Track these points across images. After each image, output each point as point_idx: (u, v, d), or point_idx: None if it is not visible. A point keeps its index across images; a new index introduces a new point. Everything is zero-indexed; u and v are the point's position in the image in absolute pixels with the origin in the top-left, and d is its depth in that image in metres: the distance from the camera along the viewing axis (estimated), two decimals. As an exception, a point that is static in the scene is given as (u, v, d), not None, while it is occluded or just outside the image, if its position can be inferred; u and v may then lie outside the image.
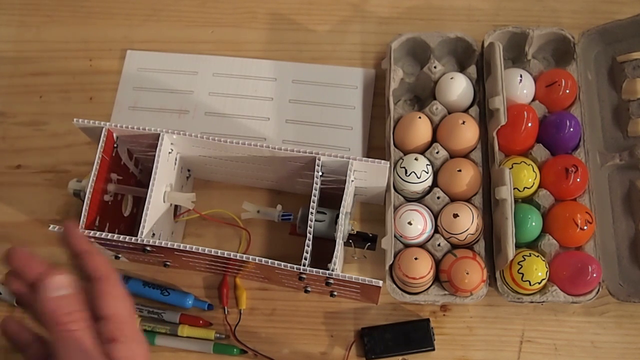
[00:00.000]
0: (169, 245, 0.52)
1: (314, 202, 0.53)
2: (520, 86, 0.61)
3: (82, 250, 0.40)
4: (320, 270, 0.51)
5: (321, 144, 0.65)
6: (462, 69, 0.65)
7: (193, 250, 0.52)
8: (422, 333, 0.58)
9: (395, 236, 0.57)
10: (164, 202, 0.56)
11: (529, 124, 0.59)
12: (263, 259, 0.51)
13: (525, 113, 0.59)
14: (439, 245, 0.57)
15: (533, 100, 0.62)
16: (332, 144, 0.65)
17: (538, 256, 0.56)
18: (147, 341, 0.59)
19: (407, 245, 0.58)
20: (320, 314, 0.61)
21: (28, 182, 0.66)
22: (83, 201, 0.53)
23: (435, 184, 0.60)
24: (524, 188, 0.58)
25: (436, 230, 0.58)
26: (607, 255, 0.59)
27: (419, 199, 0.60)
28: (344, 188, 0.53)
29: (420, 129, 0.60)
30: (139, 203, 0.61)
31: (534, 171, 0.58)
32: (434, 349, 0.58)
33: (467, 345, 0.59)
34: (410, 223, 0.57)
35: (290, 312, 0.61)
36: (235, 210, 0.61)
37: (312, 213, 0.53)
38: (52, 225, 0.52)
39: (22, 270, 0.39)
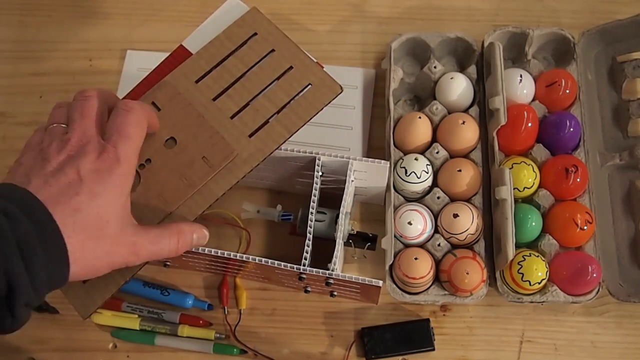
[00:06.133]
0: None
1: (314, 202, 0.53)
2: (520, 86, 0.61)
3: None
4: (320, 270, 0.51)
5: (321, 144, 0.65)
6: (462, 69, 0.65)
7: (193, 250, 0.52)
8: (422, 333, 0.58)
9: (395, 236, 0.57)
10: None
11: (529, 124, 0.59)
12: (263, 259, 0.51)
13: (525, 113, 0.59)
14: (439, 245, 0.57)
15: (533, 100, 0.62)
16: (332, 144, 0.65)
17: (538, 256, 0.56)
18: (147, 341, 0.59)
19: (407, 245, 0.58)
20: (320, 314, 0.61)
21: (28, 182, 0.66)
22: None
23: (435, 184, 0.60)
24: (524, 188, 0.58)
25: (436, 230, 0.58)
26: (607, 255, 0.59)
27: (419, 199, 0.60)
28: (344, 188, 0.53)
29: (420, 129, 0.60)
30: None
31: (534, 171, 0.58)
32: (434, 349, 0.58)
33: (467, 345, 0.59)
34: (410, 223, 0.57)
35: (290, 312, 0.61)
36: (235, 210, 0.61)
37: (312, 213, 0.53)
38: None
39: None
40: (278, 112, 0.51)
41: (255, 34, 0.53)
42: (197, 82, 0.52)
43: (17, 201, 0.38)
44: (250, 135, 0.50)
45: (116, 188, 0.41)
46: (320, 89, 0.51)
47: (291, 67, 0.52)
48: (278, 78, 0.52)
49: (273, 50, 0.53)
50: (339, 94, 0.51)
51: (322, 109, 0.51)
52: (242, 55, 0.52)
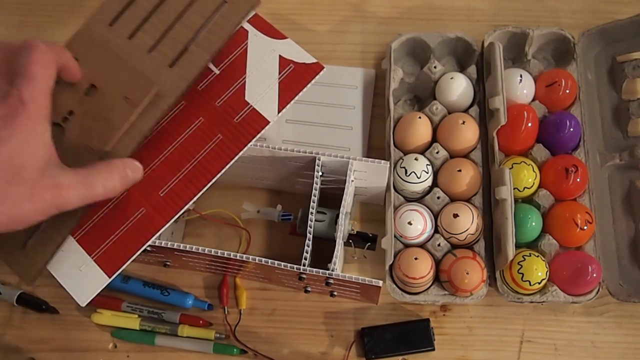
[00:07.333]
0: (169, 245, 0.52)
1: (314, 202, 0.53)
2: (520, 86, 0.61)
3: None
4: (320, 270, 0.51)
5: (321, 144, 0.65)
6: (462, 69, 0.65)
7: (193, 250, 0.52)
8: (422, 333, 0.58)
9: (395, 236, 0.57)
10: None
11: (529, 124, 0.59)
12: (263, 259, 0.51)
13: (525, 113, 0.59)
14: (439, 245, 0.57)
15: (533, 100, 0.62)
16: (332, 144, 0.65)
17: (538, 256, 0.56)
18: (147, 341, 0.59)
19: (407, 245, 0.58)
20: (320, 314, 0.61)
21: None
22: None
23: (435, 184, 0.60)
24: (524, 188, 0.58)
25: (436, 230, 0.58)
26: (607, 255, 0.59)
27: (419, 199, 0.60)
28: (344, 188, 0.53)
29: (420, 129, 0.60)
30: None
31: (534, 171, 0.58)
32: (434, 349, 0.58)
33: (467, 345, 0.59)
34: (410, 223, 0.57)
35: (290, 312, 0.61)
36: (235, 210, 0.61)
37: (312, 213, 0.53)
38: None
39: None
40: (196, 36, 0.50)
41: None
42: (111, 24, 0.51)
43: None
44: (171, 65, 0.49)
45: (26, 131, 0.40)
46: (235, 4, 0.50)
47: None
48: (192, 3, 0.50)
49: None
50: (257, 5, 0.50)
51: (240, 23, 0.50)
52: None
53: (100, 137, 0.47)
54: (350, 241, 0.57)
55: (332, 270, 0.51)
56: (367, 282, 0.50)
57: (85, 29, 0.51)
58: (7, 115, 0.40)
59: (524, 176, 0.58)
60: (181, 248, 0.52)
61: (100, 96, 0.48)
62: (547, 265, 0.56)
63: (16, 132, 0.40)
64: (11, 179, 0.39)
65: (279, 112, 0.50)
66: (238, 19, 0.49)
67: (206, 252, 0.52)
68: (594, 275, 0.55)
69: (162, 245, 0.52)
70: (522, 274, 0.55)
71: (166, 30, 0.50)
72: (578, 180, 0.58)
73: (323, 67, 0.51)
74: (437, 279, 0.58)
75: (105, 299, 0.60)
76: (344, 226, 0.54)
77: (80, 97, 0.48)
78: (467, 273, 0.55)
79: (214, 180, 0.49)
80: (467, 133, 0.59)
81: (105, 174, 0.44)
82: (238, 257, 0.52)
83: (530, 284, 0.55)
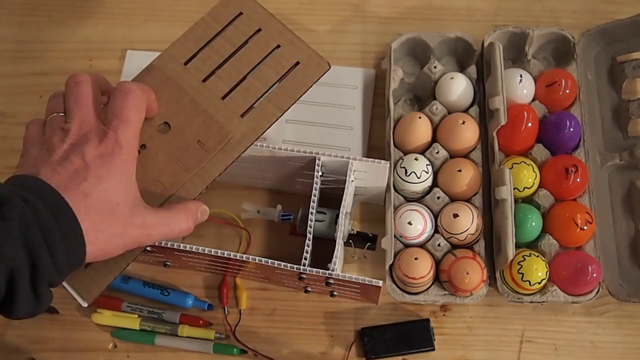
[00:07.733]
0: (169, 245, 0.52)
1: (314, 202, 0.53)
2: (520, 86, 0.61)
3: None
4: (320, 270, 0.51)
5: (321, 144, 0.65)
6: (462, 69, 0.65)
7: (193, 250, 0.52)
8: (422, 333, 0.58)
9: (395, 236, 0.57)
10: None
11: (529, 124, 0.59)
12: (263, 259, 0.51)
13: (525, 113, 0.59)
14: (439, 245, 0.57)
15: (533, 100, 0.62)
16: (332, 144, 0.65)
17: (538, 256, 0.56)
18: (147, 341, 0.59)
19: (407, 245, 0.58)
20: (320, 314, 0.61)
21: (28, 182, 0.66)
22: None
23: (435, 184, 0.60)
24: (524, 188, 0.58)
25: (436, 230, 0.58)
26: (607, 255, 0.59)
27: (419, 199, 0.60)
28: (344, 188, 0.53)
29: (420, 129, 0.60)
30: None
31: (534, 171, 0.58)
32: (434, 349, 0.58)
33: (467, 345, 0.59)
34: (410, 223, 0.57)
35: (290, 312, 0.61)
36: (235, 210, 0.61)
37: (312, 213, 0.53)
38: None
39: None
40: (268, 91, 0.50)
41: (241, 13, 0.52)
42: (185, 64, 0.51)
43: (31, 188, 0.39)
44: (242, 115, 0.49)
45: (121, 171, 0.42)
46: (308, 67, 0.51)
47: (279, 46, 0.51)
48: (266, 57, 0.51)
49: (260, 30, 0.52)
50: (327, 70, 0.51)
51: (311, 86, 0.51)
52: (229, 36, 0.52)
53: (171, 176, 0.48)
54: (350, 241, 0.57)
55: (332, 270, 0.51)
56: (367, 282, 0.50)
57: (159, 64, 0.51)
58: (105, 155, 0.42)
59: (524, 176, 0.58)
60: (181, 248, 0.52)
61: (173, 135, 0.49)
62: (547, 265, 0.56)
63: (113, 171, 0.42)
64: (107, 217, 0.41)
65: None
66: (309, 81, 0.50)
67: (206, 252, 0.52)
68: (594, 275, 0.55)
69: (162, 245, 0.52)
70: (522, 274, 0.55)
71: (240, 81, 0.50)
72: (578, 180, 0.58)
73: None
74: (437, 279, 0.58)
75: (105, 299, 0.60)
76: (344, 226, 0.54)
77: (153, 133, 0.49)
78: (467, 273, 0.55)
79: (214, 180, 0.49)
80: (467, 133, 0.59)
81: (183, 216, 0.46)
82: (238, 257, 0.52)
83: (530, 284, 0.55)
